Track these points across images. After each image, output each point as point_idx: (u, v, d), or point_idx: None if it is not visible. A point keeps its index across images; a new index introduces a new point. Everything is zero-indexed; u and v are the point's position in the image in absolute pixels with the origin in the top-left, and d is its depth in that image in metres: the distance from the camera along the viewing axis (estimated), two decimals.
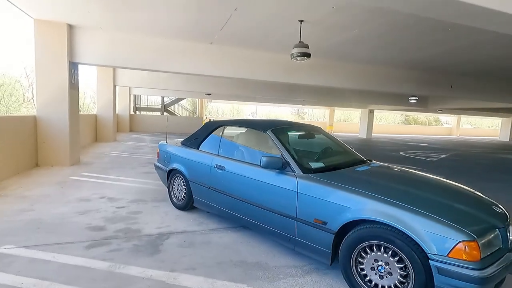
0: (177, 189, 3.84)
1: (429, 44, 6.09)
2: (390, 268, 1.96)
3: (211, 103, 27.21)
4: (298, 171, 2.53)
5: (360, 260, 2.09)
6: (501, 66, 7.83)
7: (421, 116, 41.68)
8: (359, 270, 2.10)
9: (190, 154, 3.62)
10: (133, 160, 7.31)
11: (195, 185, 3.47)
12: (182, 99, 20.44)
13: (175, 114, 21.00)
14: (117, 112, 13.32)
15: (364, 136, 20.93)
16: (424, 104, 15.97)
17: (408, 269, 1.87)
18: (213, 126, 3.64)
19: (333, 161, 3.04)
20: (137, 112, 19.54)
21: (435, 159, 10.35)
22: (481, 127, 38.26)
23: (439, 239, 1.76)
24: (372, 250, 2.02)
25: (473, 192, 2.53)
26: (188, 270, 2.37)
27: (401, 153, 12.24)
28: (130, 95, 15.70)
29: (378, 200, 2.04)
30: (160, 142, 4.38)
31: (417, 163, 9.19)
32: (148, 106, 20.62)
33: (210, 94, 15.37)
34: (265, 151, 2.92)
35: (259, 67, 7.49)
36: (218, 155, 3.30)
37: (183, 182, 3.70)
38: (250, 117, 32.13)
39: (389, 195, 2.10)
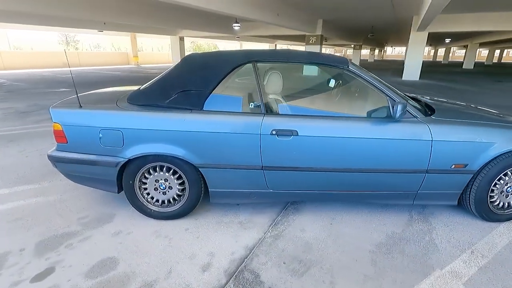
0: (160, 189, 2.16)
1: None
2: None
3: None
4: (420, 115, 2.05)
5: (493, 189, 2.16)
6: None
7: (203, 43, 44.88)
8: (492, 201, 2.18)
9: (194, 122, 1.98)
10: None
11: (217, 171, 2.07)
12: None
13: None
14: None
15: None
16: (231, 30, 16.90)
17: None
18: (225, 65, 2.09)
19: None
20: None
21: None
22: None
23: None
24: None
25: None
26: None
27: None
28: None
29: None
30: (62, 108, 2.09)
31: None
32: None
33: None
34: (339, 95, 2.09)
35: None
36: (266, 113, 2.01)
37: (177, 175, 2.11)
38: None
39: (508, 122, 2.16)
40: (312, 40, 15.32)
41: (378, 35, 22.87)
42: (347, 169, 2.04)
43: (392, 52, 65.72)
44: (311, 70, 2.79)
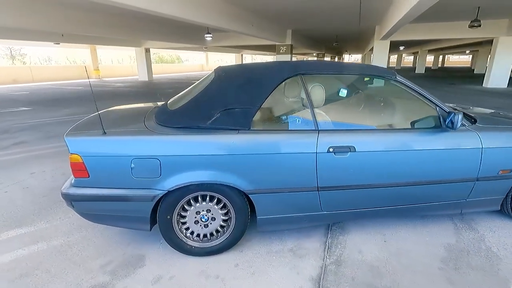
0: (202, 222, 1.90)
1: None
2: None
3: None
4: (467, 123, 2.04)
5: None
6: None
7: (165, 54, 43.46)
8: None
9: (243, 144, 1.77)
10: None
11: (269, 196, 1.86)
12: None
13: None
14: None
15: (146, 79, 19.20)
16: (203, 41, 16.66)
17: None
18: (272, 79, 1.89)
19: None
20: None
21: None
22: (226, 63, 45.93)
23: None
24: None
25: None
26: None
27: None
28: None
29: None
30: (82, 136, 1.75)
31: None
32: None
33: None
34: (386, 108, 2.01)
35: None
36: (319, 130, 1.86)
37: (221, 204, 1.87)
38: None
39: None
40: (283, 50, 15.60)
41: (341, 44, 24.05)
42: (404, 183, 1.95)
43: (349, 59, 69.70)
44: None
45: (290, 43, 15.30)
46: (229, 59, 42.15)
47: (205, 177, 1.75)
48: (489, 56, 15.23)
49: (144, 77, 19.33)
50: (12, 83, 16.50)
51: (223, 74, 1.99)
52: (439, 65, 41.14)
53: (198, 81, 2.56)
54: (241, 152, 1.77)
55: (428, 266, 1.84)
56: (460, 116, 1.84)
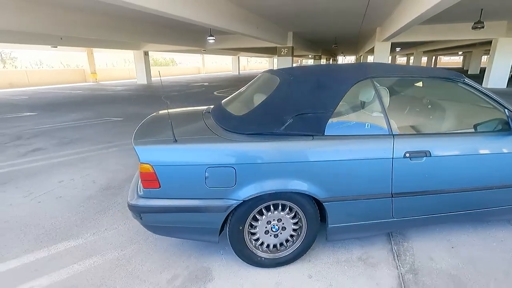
0: (272, 232, 1.82)
1: None
2: None
3: None
4: None
5: None
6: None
7: (159, 57, 42.70)
8: None
9: (319, 150, 1.70)
10: None
11: (342, 204, 1.79)
12: None
13: None
14: None
15: (145, 82, 18.97)
16: (204, 44, 16.56)
17: None
18: (345, 82, 1.83)
19: None
20: None
21: None
22: (222, 65, 44.95)
23: None
24: None
25: None
26: None
27: (215, 93, 12.59)
28: None
29: None
30: (153, 144, 1.66)
31: None
32: None
33: None
34: (452, 111, 1.97)
35: None
36: (393, 135, 1.80)
37: (293, 213, 1.81)
38: None
39: None
40: (284, 52, 15.62)
41: (339, 46, 24.22)
42: (476, 188, 1.91)
43: (343, 61, 70.38)
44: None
45: (291, 45, 15.33)
46: (224, 62, 41.94)
47: (280, 186, 1.68)
48: (486, 57, 15.49)
49: (143, 80, 19.10)
50: (9, 87, 16.10)
51: (291, 78, 1.92)
52: (432, 66, 41.86)
53: (250, 82, 2.49)
54: (317, 159, 1.70)
55: (508, 274, 1.80)
56: None
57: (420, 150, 1.79)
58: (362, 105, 2.01)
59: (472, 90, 1.99)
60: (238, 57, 32.52)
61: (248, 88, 2.44)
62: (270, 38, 12.85)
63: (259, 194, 1.67)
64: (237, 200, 1.66)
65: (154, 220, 1.73)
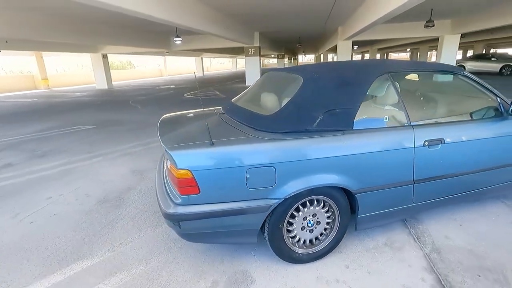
0: (308, 227, 1.87)
1: None
2: None
3: None
4: None
5: None
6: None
7: (115, 60, 40.31)
8: None
9: (350, 144, 1.76)
10: None
11: (371, 194, 1.89)
12: None
13: None
14: None
15: (105, 87, 17.82)
16: (169, 45, 16.03)
17: None
18: (367, 78, 1.91)
19: None
20: None
21: (224, 97, 11.55)
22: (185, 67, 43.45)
23: None
24: None
25: None
26: None
27: (185, 95, 12.27)
28: None
29: None
30: (190, 149, 1.60)
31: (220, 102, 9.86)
32: None
33: None
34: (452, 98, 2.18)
35: None
36: (413, 125, 1.93)
37: (328, 207, 1.86)
38: None
39: None
40: (251, 52, 15.70)
41: (302, 45, 24.95)
42: (482, 169, 2.12)
43: (302, 59, 72.65)
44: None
45: (258, 45, 15.46)
46: (187, 63, 40.86)
47: (318, 181, 1.71)
48: (430, 52, 16.96)
49: (103, 85, 17.91)
50: None
51: (315, 75, 1.97)
52: None
53: (258, 82, 2.49)
54: (349, 153, 1.76)
55: None
56: None
57: (437, 138, 1.94)
58: (381, 99, 2.13)
59: (470, 82, 2.20)
60: (202, 58, 31.99)
61: (259, 88, 2.44)
62: (237, 38, 12.84)
63: (298, 191, 1.69)
64: (278, 199, 1.67)
65: (193, 227, 1.66)
